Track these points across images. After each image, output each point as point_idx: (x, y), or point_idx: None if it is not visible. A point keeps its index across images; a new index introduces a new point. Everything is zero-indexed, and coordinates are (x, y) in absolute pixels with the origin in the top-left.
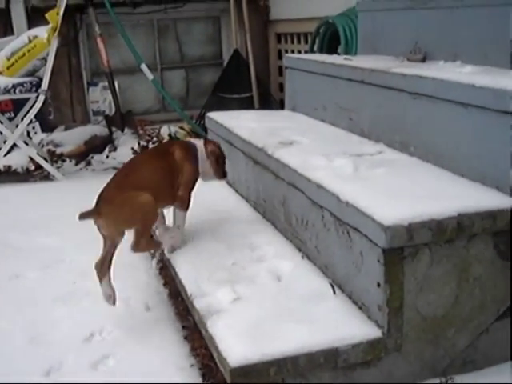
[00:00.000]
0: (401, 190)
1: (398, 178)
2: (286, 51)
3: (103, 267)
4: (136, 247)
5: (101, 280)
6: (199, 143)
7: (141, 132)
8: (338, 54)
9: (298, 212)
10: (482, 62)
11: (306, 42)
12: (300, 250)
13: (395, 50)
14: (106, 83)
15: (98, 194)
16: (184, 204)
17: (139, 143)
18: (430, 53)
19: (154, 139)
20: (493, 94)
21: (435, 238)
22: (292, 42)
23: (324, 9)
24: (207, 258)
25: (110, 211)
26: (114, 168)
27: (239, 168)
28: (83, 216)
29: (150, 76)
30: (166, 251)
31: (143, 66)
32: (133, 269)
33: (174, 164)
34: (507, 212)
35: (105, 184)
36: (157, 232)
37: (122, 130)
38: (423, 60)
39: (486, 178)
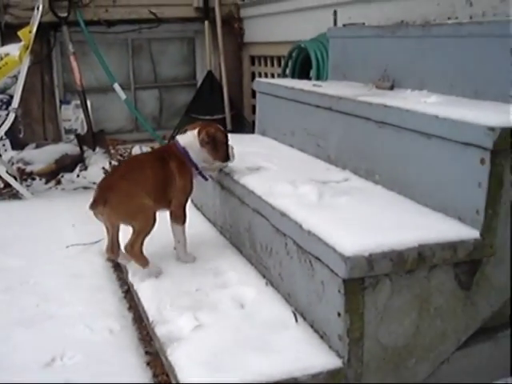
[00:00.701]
0: (363, 220)
1: (361, 207)
2: (260, 73)
3: (114, 250)
4: (130, 248)
5: (117, 259)
6: (189, 139)
7: (112, 151)
8: (310, 78)
9: (262, 238)
10: (448, 92)
11: (280, 64)
12: (264, 277)
13: (365, 76)
14: (79, 101)
15: (98, 185)
16: (178, 219)
17: (110, 163)
18: (398, 81)
19: (126, 159)
20: (455, 125)
21: (396, 268)
22: (266, 65)
23: (297, 33)
24: (170, 284)
25: (115, 199)
26: (85, 188)
27: (207, 192)
28: (93, 206)
29: (123, 96)
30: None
31: (116, 86)
32: (98, 291)
33: (170, 172)
34: (468, 243)
35: (101, 180)
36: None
37: (94, 149)
38: (391, 88)
39: (448, 208)
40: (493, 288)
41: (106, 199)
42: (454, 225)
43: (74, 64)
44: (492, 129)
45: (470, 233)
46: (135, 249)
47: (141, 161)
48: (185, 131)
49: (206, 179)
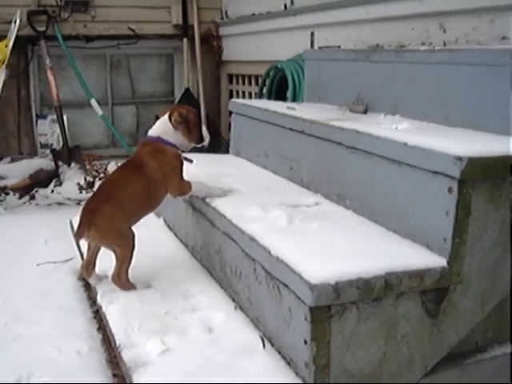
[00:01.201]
0: (332, 247)
1: (330, 233)
2: (238, 92)
3: (89, 268)
4: (117, 279)
5: (88, 278)
6: (161, 124)
7: (88, 167)
8: (287, 98)
9: (232, 262)
10: (421, 118)
11: (257, 83)
12: (234, 300)
13: (339, 99)
14: (55, 116)
15: (83, 208)
16: (187, 192)
17: (85, 178)
18: (372, 105)
19: (101, 175)
20: (423, 154)
21: (362, 296)
22: (243, 84)
23: (274, 53)
24: (139, 306)
25: (99, 224)
26: (59, 203)
27: (179, 213)
28: (78, 235)
29: (100, 112)
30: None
31: (93, 102)
32: (68, 311)
33: (150, 172)
34: (435, 271)
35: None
36: None
37: (69, 165)
38: (365, 112)
39: (417, 235)
40: (460, 315)
41: (90, 223)
42: (421, 252)
43: (51, 79)
44: (459, 158)
45: (438, 261)
46: (122, 279)
47: (120, 178)
48: (156, 118)
49: (191, 161)
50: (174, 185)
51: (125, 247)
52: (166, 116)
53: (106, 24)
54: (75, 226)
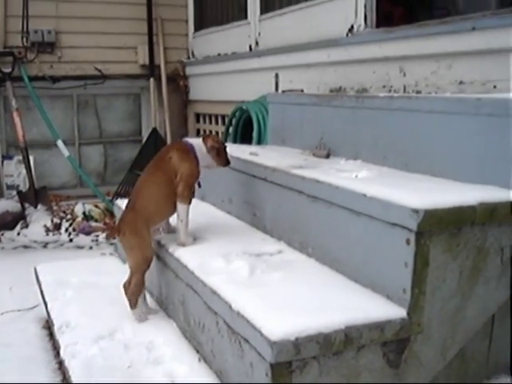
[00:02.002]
0: (293, 300)
1: (291, 285)
2: (205, 131)
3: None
4: (127, 286)
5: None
6: (197, 141)
7: (55, 208)
8: (253, 137)
9: (195, 314)
10: (381, 163)
11: (224, 123)
12: (198, 352)
13: (302, 143)
14: (21, 157)
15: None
16: (184, 198)
17: (52, 220)
18: (334, 149)
19: (68, 216)
20: (381, 205)
21: (323, 350)
22: (210, 123)
23: (240, 94)
24: (102, 360)
25: (125, 231)
26: (25, 247)
27: None
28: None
29: (66, 153)
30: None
31: (59, 143)
32: (31, 363)
33: (172, 170)
34: (395, 322)
35: None
36: (162, 233)
37: (35, 207)
38: (327, 156)
39: (377, 285)
40: (421, 364)
41: (119, 229)
42: (381, 304)
43: (17, 120)
44: (416, 211)
45: (398, 312)
46: (131, 288)
47: (146, 180)
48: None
49: (200, 186)
50: (182, 187)
51: (135, 258)
52: (201, 140)
53: (72, 64)
54: (41, 275)
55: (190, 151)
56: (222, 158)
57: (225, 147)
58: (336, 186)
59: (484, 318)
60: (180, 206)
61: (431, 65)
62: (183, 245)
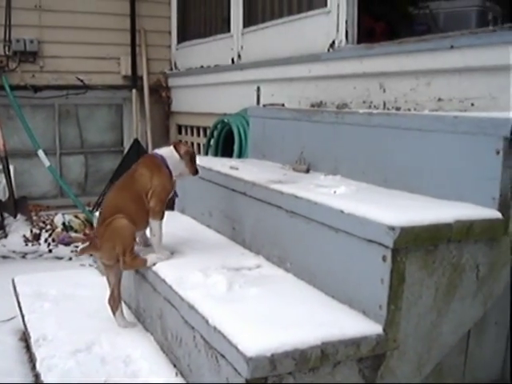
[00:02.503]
0: (270, 315)
1: (269, 300)
2: (187, 142)
3: (115, 301)
4: (123, 265)
5: (114, 313)
6: (167, 150)
7: (35, 218)
8: (234, 149)
9: (173, 328)
10: (360, 178)
11: (206, 135)
12: (175, 366)
13: (283, 157)
14: (1, 167)
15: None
16: (156, 214)
17: (31, 231)
18: (314, 164)
19: (48, 227)
20: (358, 222)
21: (299, 366)
22: (192, 135)
23: (222, 106)
24: (79, 374)
25: (101, 243)
26: (4, 257)
27: (123, 273)
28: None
29: (47, 163)
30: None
31: (40, 153)
32: (6, 375)
33: (143, 187)
34: (371, 338)
35: None
36: (140, 245)
37: (15, 216)
38: (307, 171)
39: (354, 301)
40: (397, 380)
41: (95, 246)
42: (358, 319)
43: None
44: (392, 228)
45: (374, 328)
46: (127, 262)
47: (115, 190)
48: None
49: (177, 196)
50: (154, 203)
51: (119, 245)
52: (172, 147)
53: (54, 74)
54: (18, 286)
55: (161, 164)
56: (194, 166)
57: (195, 157)
58: (314, 201)
59: (460, 334)
60: (152, 222)
61: (411, 81)
62: (159, 259)
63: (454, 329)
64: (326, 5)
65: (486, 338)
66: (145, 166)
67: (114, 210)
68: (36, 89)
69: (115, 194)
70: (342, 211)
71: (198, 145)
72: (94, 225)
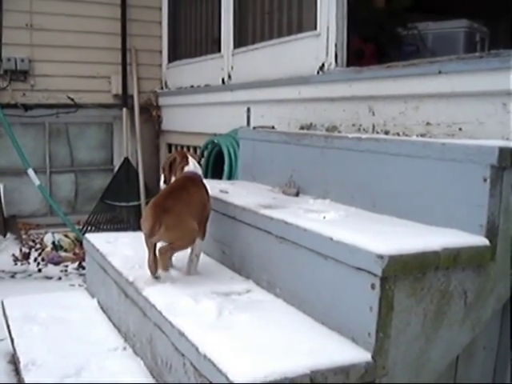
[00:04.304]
0: (259, 343)
1: (258, 327)
2: None
3: (155, 263)
4: (161, 255)
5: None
6: (195, 166)
7: (24, 237)
8: (224, 169)
9: (163, 353)
10: (349, 203)
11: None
12: None
13: (273, 180)
14: None
15: (152, 209)
16: (203, 234)
17: (21, 250)
18: (304, 187)
19: (37, 246)
20: (347, 249)
21: None
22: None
23: (212, 126)
24: None
25: (171, 222)
26: None
27: (112, 297)
28: (152, 231)
29: (37, 182)
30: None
31: (30, 171)
32: None
33: (204, 197)
34: (360, 366)
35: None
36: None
37: (4, 235)
38: (297, 194)
39: (343, 328)
40: None
41: (161, 222)
42: (347, 347)
43: None
44: (381, 256)
45: (363, 355)
46: (168, 254)
47: (183, 187)
48: (186, 160)
49: None
50: (205, 225)
51: (185, 241)
52: (194, 160)
53: (45, 93)
54: (7, 309)
55: (203, 183)
56: None
57: None
58: (304, 228)
59: (448, 360)
60: (200, 242)
61: (399, 105)
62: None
63: (443, 355)
64: (315, 28)
65: (474, 363)
66: (197, 185)
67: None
68: (26, 107)
69: (193, 191)
70: (331, 238)
71: None
72: (85, 246)
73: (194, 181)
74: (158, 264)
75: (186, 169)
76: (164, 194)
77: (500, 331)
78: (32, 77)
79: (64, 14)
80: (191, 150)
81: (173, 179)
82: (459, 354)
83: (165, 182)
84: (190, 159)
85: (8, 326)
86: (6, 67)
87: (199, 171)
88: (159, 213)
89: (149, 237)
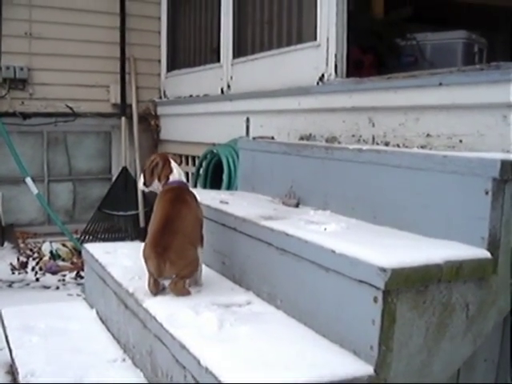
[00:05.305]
0: (260, 356)
1: (259, 340)
2: None
3: (155, 286)
4: (173, 287)
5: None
6: (179, 173)
7: (22, 245)
8: (223, 179)
9: (163, 365)
10: (350, 214)
11: (195, 164)
12: None
13: (272, 190)
14: None
15: (152, 249)
16: (202, 241)
17: (18, 258)
18: (304, 198)
19: (35, 255)
20: (349, 262)
21: None
22: (181, 163)
23: (211, 136)
24: None
25: (174, 257)
26: None
27: (112, 307)
28: (161, 274)
29: (35, 190)
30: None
31: (28, 180)
32: None
33: (199, 211)
34: (361, 379)
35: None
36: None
37: (2, 244)
38: (297, 205)
39: (345, 341)
40: None
41: (165, 261)
42: (349, 360)
43: None
44: (383, 270)
45: (365, 368)
46: (179, 287)
47: (176, 212)
48: (169, 166)
49: None
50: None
51: (191, 268)
52: (176, 164)
53: (43, 102)
54: (6, 319)
55: (194, 196)
56: None
57: None
58: (305, 240)
59: (450, 372)
60: (201, 250)
61: (399, 117)
62: (200, 285)
63: (444, 367)
64: (315, 38)
65: (476, 376)
66: (186, 202)
67: (185, 229)
68: (25, 116)
69: (185, 210)
70: (333, 251)
71: (187, 173)
72: (84, 256)
73: (182, 197)
74: (174, 293)
75: (171, 178)
76: (160, 229)
77: (501, 343)
78: (31, 85)
79: (63, 22)
80: (189, 160)
81: (154, 183)
82: (460, 367)
83: (145, 184)
84: (173, 165)
85: (6, 337)
86: (4, 75)
87: (183, 177)
88: (161, 252)
89: (157, 277)
